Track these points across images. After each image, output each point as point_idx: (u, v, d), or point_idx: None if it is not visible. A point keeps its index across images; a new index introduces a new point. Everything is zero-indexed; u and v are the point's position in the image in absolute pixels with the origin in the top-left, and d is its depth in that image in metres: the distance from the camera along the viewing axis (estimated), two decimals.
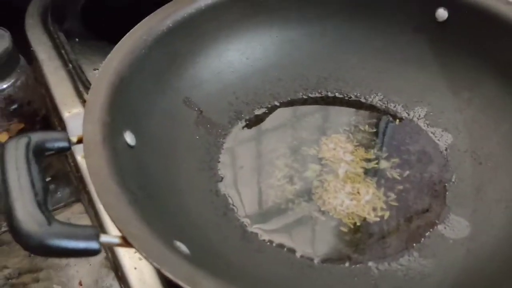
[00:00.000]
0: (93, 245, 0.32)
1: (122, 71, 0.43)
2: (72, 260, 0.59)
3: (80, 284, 0.57)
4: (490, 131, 0.49)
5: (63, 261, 0.59)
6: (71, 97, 0.60)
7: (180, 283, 0.30)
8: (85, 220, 0.62)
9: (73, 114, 0.57)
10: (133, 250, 0.50)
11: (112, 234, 0.33)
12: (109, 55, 0.45)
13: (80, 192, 0.58)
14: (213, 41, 0.52)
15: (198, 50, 0.52)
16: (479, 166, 0.47)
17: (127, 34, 0.47)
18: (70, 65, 0.62)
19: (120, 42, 0.46)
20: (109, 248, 0.51)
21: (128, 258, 0.49)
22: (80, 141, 0.39)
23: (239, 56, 0.54)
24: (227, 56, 0.54)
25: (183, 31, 0.49)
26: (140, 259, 0.49)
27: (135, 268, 0.48)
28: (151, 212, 0.36)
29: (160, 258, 0.31)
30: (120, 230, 0.33)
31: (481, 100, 0.51)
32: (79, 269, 0.59)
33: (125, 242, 0.32)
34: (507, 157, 0.46)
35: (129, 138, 0.42)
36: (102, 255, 0.58)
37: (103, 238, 0.32)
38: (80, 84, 0.60)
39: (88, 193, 0.54)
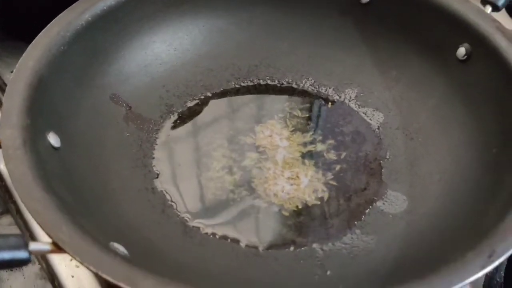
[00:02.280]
0: (22, 254, 0.30)
1: (39, 70, 0.41)
2: (4, 274, 0.55)
3: None
4: (418, 107, 0.50)
5: None
6: None
7: (120, 284, 0.28)
8: (15, 232, 0.58)
9: None
10: (68, 257, 0.47)
11: (42, 241, 0.31)
12: (24, 54, 0.42)
13: (7, 202, 0.54)
14: (136, 34, 0.50)
15: (122, 44, 0.49)
16: (411, 141, 0.49)
17: (42, 31, 0.44)
18: None
19: (35, 40, 0.43)
20: (43, 258, 0.48)
21: (64, 266, 0.47)
22: None
23: (166, 47, 0.53)
24: (154, 48, 0.52)
25: (104, 25, 0.47)
26: (77, 266, 0.47)
27: (73, 276, 0.46)
28: (83, 216, 0.34)
29: (96, 260, 0.29)
30: (50, 237, 0.30)
31: (408, 77, 0.52)
32: (12, 283, 0.55)
33: (57, 248, 0.30)
34: (436, 130, 0.48)
35: (53, 139, 0.39)
36: (37, 266, 0.55)
37: (33, 246, 0.30)
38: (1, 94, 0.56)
39: (15, 203, 0.51)
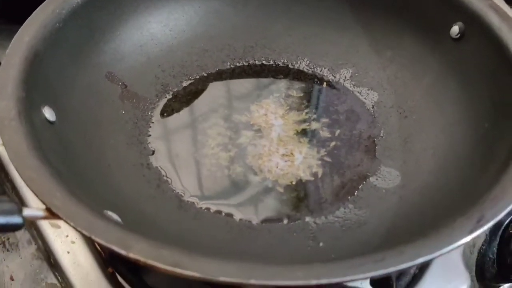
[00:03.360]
0: (16, 219, 0.30)
1: (35, 46, 0.41)
2: (0, 255, 0.56)
3: (12, 279, 0.54)
4: (412, 86, 0.50)
5: None
6: None
7: (112, 247, 0.29)
8: None
9: None
10: (64, 234, 0.48)
11: (35, 207, 0.31)
12: (20, 30, 0.42)
13: (3, 182, 0.54)
14: (132, 13, 0.51)
15: (117, 23, 0.50)
16: (405, 119, 0.49)
17: (38, 8, 0.44)
18: None
19: (31, 16, 0.43)
20: (39, 235, 0.49)
21: (60, 242, 0.47)
22: None
23: (162, 28, 0.53)
24: (149, 28, 0.52)
25: (100, 3, 0.47)
26: (73, 242, 0.47)
27: (68, 252, 0.46)
28: (77, 186, 0.34)
29: (89, 225, 0.30)
30: (43, 203, 0.31)
31: (402, 57, 0.52)
32: (9, 263, 0.56)
33: (50, 214, 0.31)
34: (430, 108, 0.48)
35: (48, 113, 0.40)
36: (33, 247, 0.55)
37: (26, 211, 0.30)
38: None
39: (11, 181, 0.51)
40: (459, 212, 0.32)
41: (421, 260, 0.29)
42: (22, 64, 0.39)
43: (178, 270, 0.28)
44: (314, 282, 0.27)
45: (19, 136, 0.34)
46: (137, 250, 0.28)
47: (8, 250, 0.57)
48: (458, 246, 0.30)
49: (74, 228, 0.30)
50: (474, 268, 0.48)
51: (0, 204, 0.30)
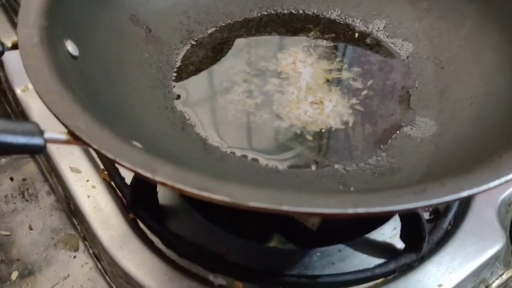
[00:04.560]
0: (37, 140, 0.28)
1: None
2: (19, 205, 0.55)
3: (31, 228, 0.53)
4: (450, 36, 0.48)
5: (10, 206, 0.55)
6: (6, 28, 0.56)
7: (138, 170, 0.27)
8: (31, 164, 0.58)
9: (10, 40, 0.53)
10: (85, 178, 0.47)
11: (57, 131, 0.30)
12: None
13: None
14: None
15: None
16: (441, 70, 0.46)
17: None
18: None
19: None
20: (59, 180, 0.48)
21: (80, 187, 0.46)
22: (15, 46, 0.35)
23: None
24: None
25: None
26: (93, 186, 0.46)
27: (89, 197, 0.45)
28: (101, 116, 0.33)
29: (114, 148, 0.28)
30: (65, 126, 0.29)
31: (439, 7, 0.50)
32: (28, 213, 0.55)
33: (73, 138, 0.29)
34: (468, 58, 0.45)
35: (71, 47, 0.38)
36: (53, 197, 0.54)
37: (48, 134, 0.29)
38: (15, 15, 0.55)
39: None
40: (503, 149, 0.30)
41: (465, 194, 0.27)
42: None
43: (206, 194, 0.26)
44: (350, 210, 0.25)
45: (41, 61, 0.33)
46: (164, 174, 0.27)
47: (27, 201, 0.56)
48: (505, 182, 0.28)
49: (98, 151, 0.28)
50: (509, 227, 0.46)
51: (21, 125, 0.29)
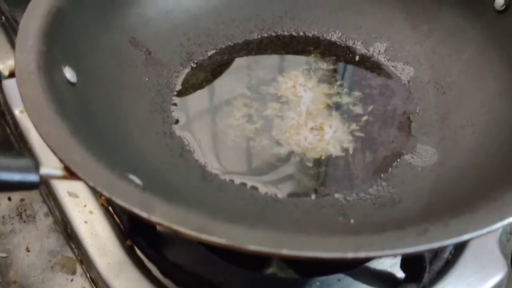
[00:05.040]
0: (32, 177, 0.28)
1: (58, 2, 0.39)
2: (17, 226, 0.55)
3: (28, 250, 0.53)
4: (451, 61, 0.48)
5: (8, 227, 0.55)
6: (5, 49, 0.56)
7: (134, 210, 0.26)
8: None
9: (7, 66, 0.52)
10: (82, 203, 0.46)
11: (53, 166, 0.29)
12: None
13: (21, 150, 0.53)
14: None
15: None
16: (442, 95, 0.46)
17: None
18: (3, 17, 0.57)
19: None
20: (56, 204, 0.47)
21: (78, 212, 0.46)
22: (12, 74, 0.35)
23: None
24: None
25: None
26: (91, 212, 0.45)
27: (86, 222, 0.45)
28: (98, 145, 0.33)
29: (109, 185, 0.27)
30: (61, 160, 0.29)
31: (440, 31, 0.49)
32: (25, 235, 0.54)
33: (69, 173, 0.29)
34: (470, 84, 0.45)
35: (69, 74, 0.38)
36: (50, 219, 0.54)
37: (44, 170, 0.29)
38: (14, 36, 0.55)
39: (29, 150, 0.50)
40: (506, 187, 0.29)
41: (468, 236, 0.26)
42: (44, 18, 0.37)
43: (203, 236, 0.25)
44: (351, 255, 0.25)
45: (38, 89, 0.32)
46: (160, 213, 0.26)
47: (25, 222, 0.56)
48: (507, 224, 0.27)
49: (93, 188, 0.28)
50: (510, 255, 0.45)
51: (16, 160, 0.28)
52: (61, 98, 0.34)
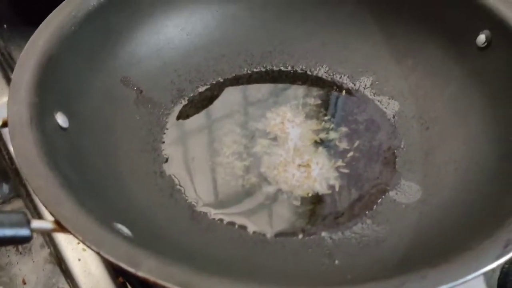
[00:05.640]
0: (24, 232, 0.29)
1: (50, 49, 0.40)
2: (13, 258, 0.56)
3: (24, 282, 0.54)
4: (435, 95, 0.49)
5: (4, 259, 0.56)
6: (1, 85, 0.57)
7: (121, 264, 0.28)
8: None
9: (3, 102, 0.53)
10: (75, 241, 0.47)
11: (45, 220, 0.30)
12: (35, 32, 0.41)
13: (17, 186, 0.54)
14: (149, 17, 0.50)
15: (134, 26, 0.49)
16: (426, 131, 0.47)
17: (54, 11, 0.43)
18: None
19: (46, 19, 0.43)
20: (51, 241, 0.48)
21: (71, 250, 0.46)
22: (5, 124, 0.36)
23: (179, 32, 0.52)
24: (166, 32, 0.51)
25: (116, 6, 0.47)
26: (84, 249, 0.46)
27: (79, 260, 0.46)
28: (87, 195, 0.34)
29: (97, 239, 0.29)
30: (52, 214, 0.30)
31: (424, 66, 0.50)
32: (21, 267, 0.55)
33: (59, 227, 0.30)
34: (453, 119, 0.46)
35: (61, 120, 0.39)
36: (46, 250, 0.55)
37: (35, 224, 0.30)
38: (10, 72, 0.56)
39: (25, 186, 0.51)
40: (484, 233, 0.30)
41: (443, 287, 0.27)
42: (35, 69, 0.38)
43: None
44: None
45: (30, 142, 0.33)
46: (146, 269, 0.27)
47: (21, 253, 0.56)
48: (483, 273, 0.28)
49: (82, 242, 0.29)
50: None
51: (8, 216, 0.29)
52: (52, 147, 0.35)
